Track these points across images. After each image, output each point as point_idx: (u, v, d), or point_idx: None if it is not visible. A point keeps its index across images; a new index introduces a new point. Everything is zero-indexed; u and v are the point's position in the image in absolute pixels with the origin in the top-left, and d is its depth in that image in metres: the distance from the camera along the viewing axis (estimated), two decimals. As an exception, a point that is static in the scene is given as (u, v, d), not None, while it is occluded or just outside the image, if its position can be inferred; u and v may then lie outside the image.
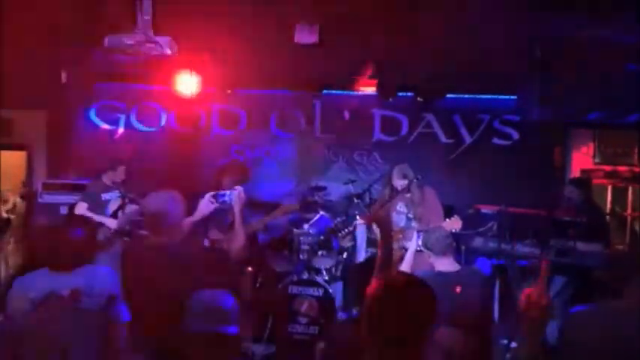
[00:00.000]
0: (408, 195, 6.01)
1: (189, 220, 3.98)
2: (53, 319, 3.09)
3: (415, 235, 5.33)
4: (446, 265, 4.51)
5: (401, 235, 5.92)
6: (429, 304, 2.22)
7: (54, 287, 3.13)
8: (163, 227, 3.60)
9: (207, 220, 4.13)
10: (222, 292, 2.96)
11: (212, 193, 4.03)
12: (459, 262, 5.35)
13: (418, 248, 5.06)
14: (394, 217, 6.15)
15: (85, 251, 3.31)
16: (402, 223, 6.06)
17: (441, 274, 4.44)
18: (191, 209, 4.03)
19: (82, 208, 6.71)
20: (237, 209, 3.86)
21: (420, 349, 2.17)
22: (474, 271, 4.83)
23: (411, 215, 6.01)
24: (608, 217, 7.81)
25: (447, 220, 5.44)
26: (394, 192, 6.09)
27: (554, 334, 5.82)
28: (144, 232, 3.81)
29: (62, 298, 3.11)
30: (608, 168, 8.23)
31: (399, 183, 6.00)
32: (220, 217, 4.05)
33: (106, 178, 6.93)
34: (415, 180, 5.95)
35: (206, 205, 3.99)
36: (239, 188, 3.99)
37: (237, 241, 3.76)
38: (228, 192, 3.94)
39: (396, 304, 2.21)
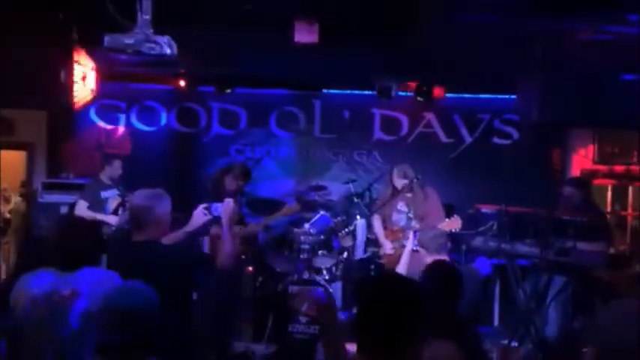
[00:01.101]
0: (409, 195, 6.02)
1: (183, 231, 4.01)
2: (53, 318, 3.08)
3: (412, 234, 5.35)
4: None
5: (401, 235, 5.93)
6: (416, 304, 2.20)
7: (56, 286, 3.11)
8: (146, 224, 3.57)
9: (208, 223, 4.16)
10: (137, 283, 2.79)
11: (204, 204, 4.06)
12: (458, 261, 5.35)
13: (414, 247, 5.09)
14: (395, 216, 6.16)
15: (90, 252, 3.31)
16: (403, 223, 6.07)
17: None
18: (190, 210, 4.04)
19: (82, 207, 6.71)
20: (225, 220, 3.89)
21: (409, 351, 2.15)
22: (468, 270, 4.84)
23: (411, 215, 6.02)
24: (608, 216, 7.81)
25: (447, 219, 5.45)
26: (395, 191, 6.10)
27: (554, 332, 5.85)
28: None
29: (64, 297, 3.09)
30: (607, 168, 8.23)
31: (400, 182, 6.01)
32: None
33: (104, 176, 6.92)
34: (415, 179, 5.96)
35: (199, 216, 4.02)
36: (228, 200, 4.02)
37: (225, 250, 3.77)
38: (220, 204, 3.98)
39: (383, 304, 2.19)
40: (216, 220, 4.05)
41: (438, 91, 8.44)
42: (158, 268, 3.37)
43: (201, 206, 4.04)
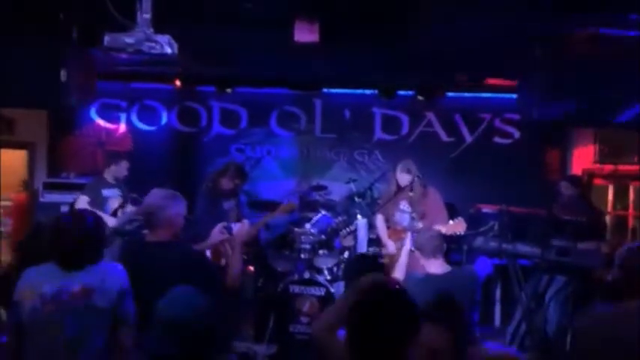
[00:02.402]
0: (411, 193, 5.99)
1: (202, 246, 4.10)
2: (64, 316, 3.08)
3: (409, 235, 5.30)
4: (436, 266, 4.49)
5: (404, 235, 5.89)
6: (407, 316, 2.23)
7: (65, 283, 3.12)
8: (158, 224, 3.59)
9: (209, 224, 4.22)
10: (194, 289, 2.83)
11: (223, 224, 4.18)
12: (459, 262, 5.30)
13: (412, 248, 5.05)
14: (397, 215, 6.13)
15: (97, 247, 3.30)
16: (406, 222, 6.02)
17: (429, 276, 4.42)
18: (189, 209, 4.06)
19: (82, 202, 6.67)
20: (238, 241, 3.94)
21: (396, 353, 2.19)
22: (464, 273, 4.79)
23: (414, 215, 5.96)
24: (607, 216, 7.82)
25: (451, 221, 5.40)
26: (398, 188, 6.06)
27: (552, 327, 5.85)
28: (145, 232, 3.83)
29: (74, 294, 3.10)
30: (608, 167, 8.23)
31: (404, 178, 5.96)
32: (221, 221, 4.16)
33: (108, 174, 6.89)
34: (416, 178, 5.93)
35: (217, 235, 4.12)
36: (245, 221, 4.10)
37: (234, 269, 3.81)
38: (237, 224, 4.10)
39: (373, 315, 2.23)
40: (223, 212, 4.13)
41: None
42: (170, 270, 3.39)
43: (220, 225, 4.15)
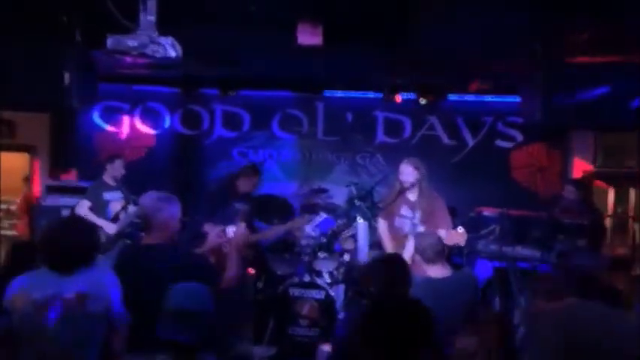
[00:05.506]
0: (413, 199, 5.92)
1: (201, 250, 4.10)
2: (59, 322, 3.07)
3: (411, 240, 5.23)
4: (436, 271, 4.47)
5: (406, 241, 5.83)
6: (423, 324, 2.27)
7: (59, 290, 3.09)
8: (152, 226, 3.57)
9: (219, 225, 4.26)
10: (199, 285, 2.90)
11: (221, 227, 4.23)
12: (459, 265, 5.25)
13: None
14: (397, 221, 6.06)
15: (89, 253, 3.29)
16: (407, 228, 5.93)
17: (430, 280, 4.41)
18: (191, 211, 4.08)
19: (84, 207, 6.67)
20: (234, 244, 3.94)
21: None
22: (464, 276, 4.76)
23: (416, 220, 5.88)
24: (608, 218, 7.82)
25: (452, 231, 5.33)
26: (402, 188, 5.96)
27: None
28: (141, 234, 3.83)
29: (69, 301, 3.09)
30: (609, 170, 8.23)
31: (410, 175, 5.81)
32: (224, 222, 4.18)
33: (107, 176, 6.90)
34: (418, 183, 5.89)
35: (214, 238, 4.16)
36: (241, 224, 4.11)
37: (230, 271, 3.81)
38: (234, 227, 4.13)
39: (388, 322, 2.27)
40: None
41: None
42: (166, 272, 3.37)
43: (218, 229, 4.23)
